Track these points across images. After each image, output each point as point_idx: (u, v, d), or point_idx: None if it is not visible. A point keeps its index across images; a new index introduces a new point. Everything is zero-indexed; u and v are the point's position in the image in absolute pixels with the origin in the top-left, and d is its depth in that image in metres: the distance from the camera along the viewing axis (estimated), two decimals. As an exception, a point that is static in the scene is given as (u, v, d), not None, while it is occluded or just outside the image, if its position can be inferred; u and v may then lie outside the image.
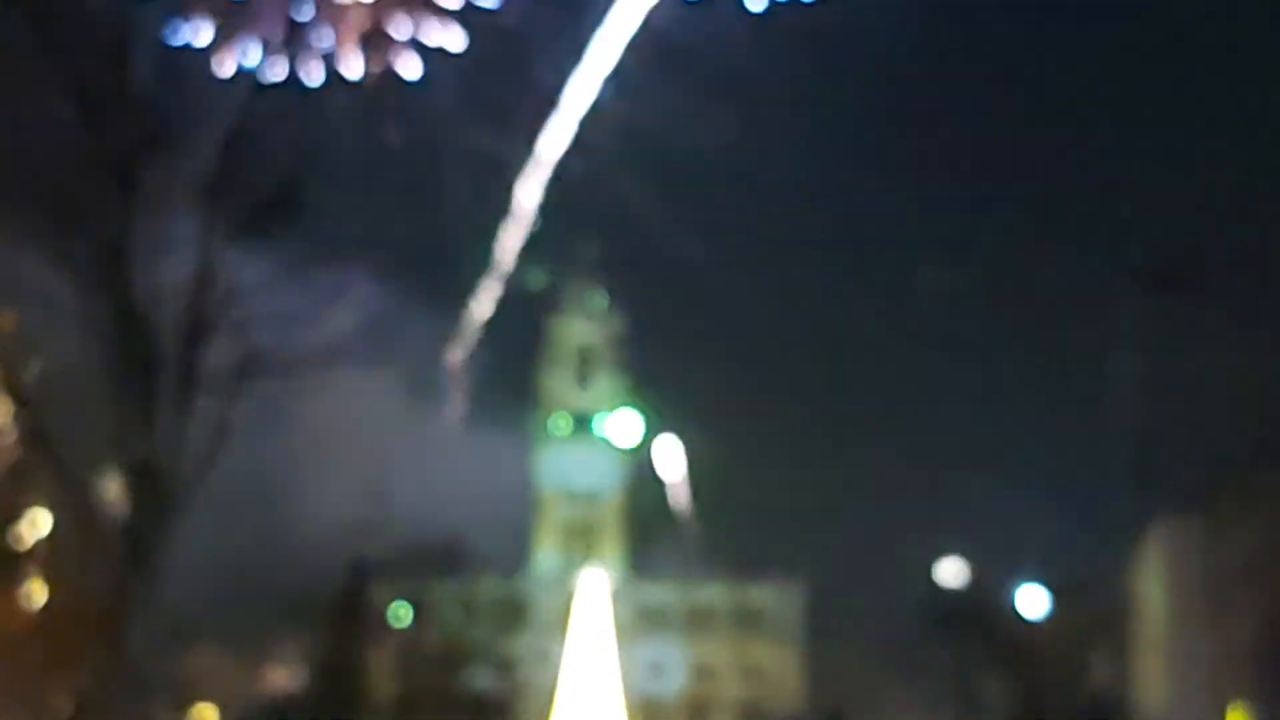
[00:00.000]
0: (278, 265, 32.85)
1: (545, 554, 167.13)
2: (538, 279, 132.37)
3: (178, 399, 31.47)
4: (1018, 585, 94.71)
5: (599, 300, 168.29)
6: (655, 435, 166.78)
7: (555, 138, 43.05)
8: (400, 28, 35.44)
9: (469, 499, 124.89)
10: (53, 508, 79.20)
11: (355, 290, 33.66)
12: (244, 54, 32.89)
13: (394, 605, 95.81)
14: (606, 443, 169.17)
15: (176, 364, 31.78)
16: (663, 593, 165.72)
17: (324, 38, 33.62)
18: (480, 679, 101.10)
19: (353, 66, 34.19)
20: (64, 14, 31.52)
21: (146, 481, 31.31)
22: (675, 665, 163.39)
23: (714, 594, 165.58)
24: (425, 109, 36.15)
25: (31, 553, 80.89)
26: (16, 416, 68.67)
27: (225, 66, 32.34)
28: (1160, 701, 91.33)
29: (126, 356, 31.39)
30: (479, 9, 37.77)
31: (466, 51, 37.58)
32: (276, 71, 32.62)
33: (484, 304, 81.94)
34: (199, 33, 32.39)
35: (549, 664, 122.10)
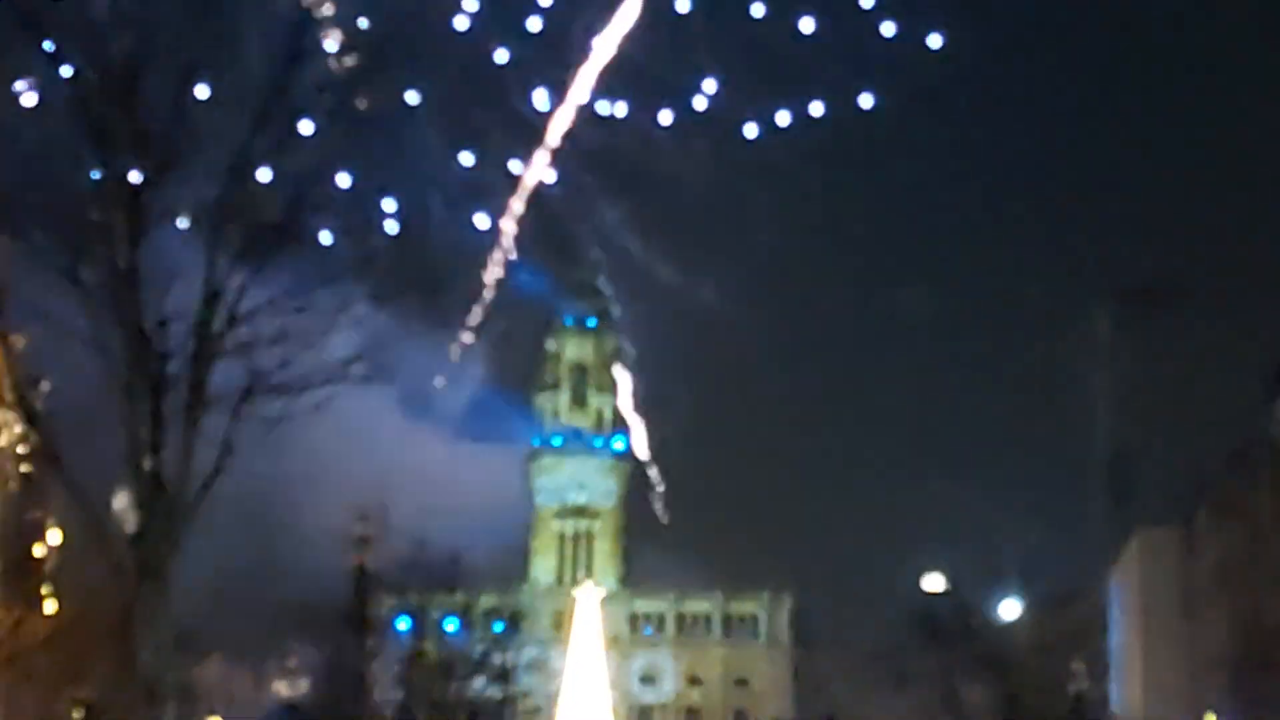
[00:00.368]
0: (282, 287, 34.25)
1: (542, 566, 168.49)
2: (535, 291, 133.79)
3: (185, 417, 32.89)
4: (1000, 595, 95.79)
5: (594, 318, 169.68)
6: (648, 450, 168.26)
7: (541, 161, 44.21)
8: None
9: (468, 513, 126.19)
10: (63, 522, 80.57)
11: (355, 310, 35.03)
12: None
13: (395, 617, 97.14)
14: (601, 457, 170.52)
15: (184, 384, 33.17)
16: (655, 603, 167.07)
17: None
18: (479, 689, 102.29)
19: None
20: (74, 40, 32.88)
21: (155, 496, 32.69)
22: (667, 674, 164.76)
23: (705, 604, 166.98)
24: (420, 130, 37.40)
25: (43, 566, 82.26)
26: (28, 434, 70.11)
27: None
28: (1139, 709, 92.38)
29: (135, 377, 32.75)
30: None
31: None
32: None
33: (481, 322, 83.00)
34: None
35: (546, 674, 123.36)
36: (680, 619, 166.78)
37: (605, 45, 44.91)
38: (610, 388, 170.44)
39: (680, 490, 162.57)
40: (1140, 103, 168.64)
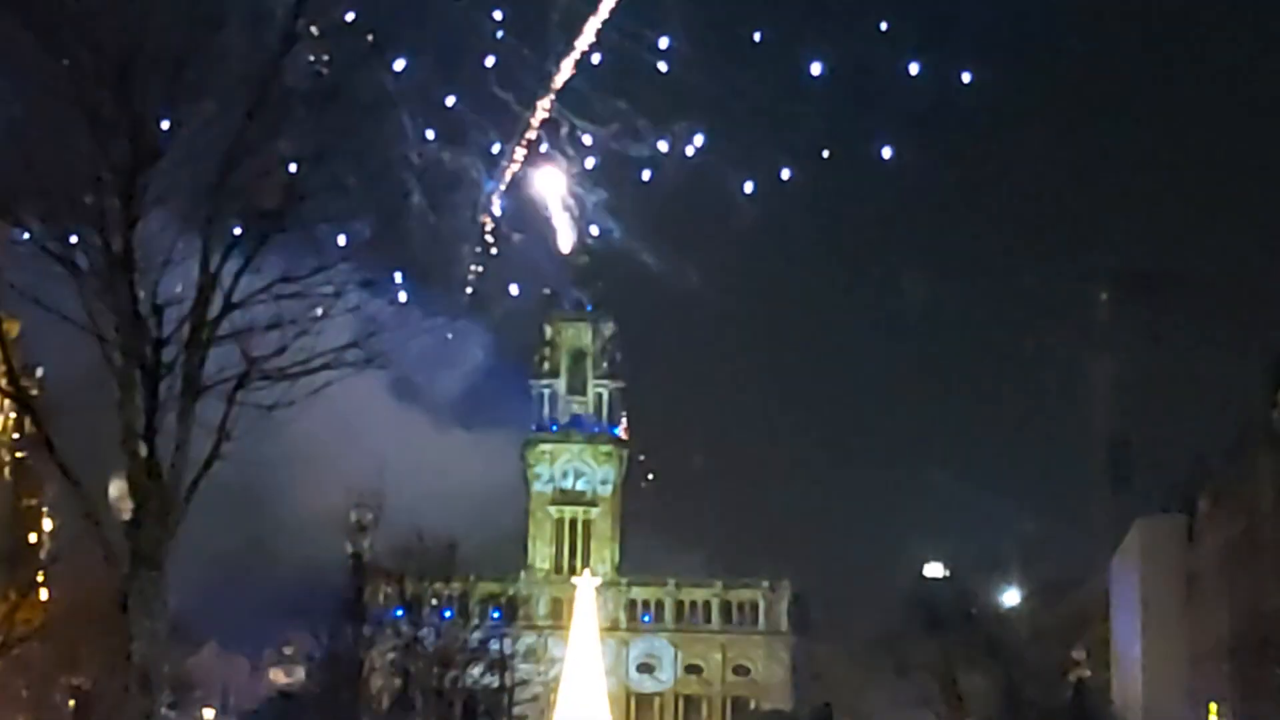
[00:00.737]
0: (277, 273, 34.03)
1: (539, 554, 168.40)
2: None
3: (180, 404, 32.64)
4: (1000, 583, 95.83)
5: (591, 305, 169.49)
6: (646, 437, 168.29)
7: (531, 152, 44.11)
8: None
9: (465, 500, 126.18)
10: (57, 510, 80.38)
11: (351, 296, 34.81)
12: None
13: (392, 604, 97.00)
14: (599, 444, 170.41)
15: (179, 370, 32.93)
16: (653, 591, 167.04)
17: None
18: (476, 676, 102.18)
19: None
20: (70, 27, 32.64)
21: (150, 484, 32.44)
22: (665, 662, 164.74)
23: (704, 592, 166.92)
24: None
25: (37, 554, 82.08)
26: (22, 421, 69.92)
27: None
28: (1139, 696, 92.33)
29: (130, 363, 32.49)
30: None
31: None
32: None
33: (476, 304, 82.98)
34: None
35: (543, 662, 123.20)
36: (679, 606, 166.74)
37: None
38: (608, 374, 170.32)
39: (679, 477, 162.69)
40: (1141, 85, 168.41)
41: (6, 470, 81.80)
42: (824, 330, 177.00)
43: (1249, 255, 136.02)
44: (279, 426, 35.95)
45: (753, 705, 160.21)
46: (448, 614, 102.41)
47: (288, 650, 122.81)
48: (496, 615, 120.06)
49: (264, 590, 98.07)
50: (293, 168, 34.07)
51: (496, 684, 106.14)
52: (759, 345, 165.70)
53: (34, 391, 41.69)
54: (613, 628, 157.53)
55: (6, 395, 41.48)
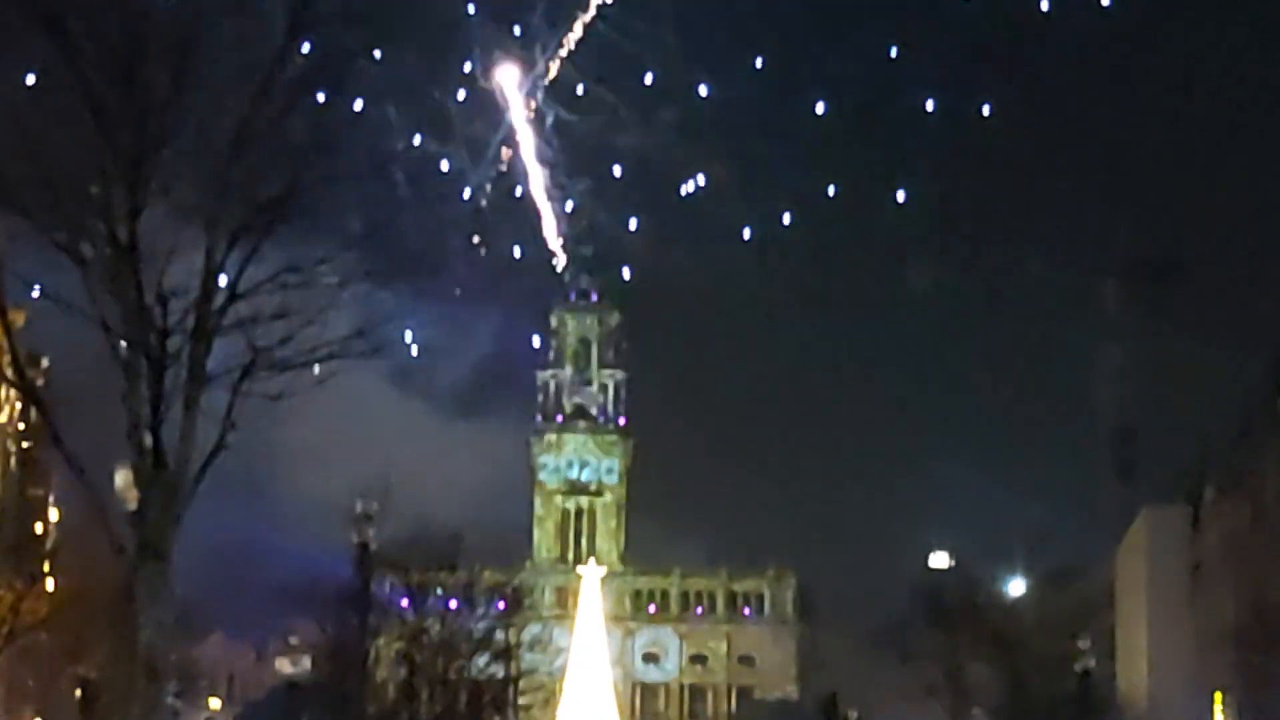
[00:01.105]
0: (282, 263, 34.02)
1: (544, 543, 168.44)
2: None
3: (186, 394, 32.63)
4: (1006, 572, 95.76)
5: (597, 294, 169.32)
6: (652, 424, 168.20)
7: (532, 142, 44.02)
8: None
9: (470, 490, 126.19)
10: (63, 500, 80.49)
11: (356, 286, 34.82)
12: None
13: (397, 594, 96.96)
14: (604, 434, 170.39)
15: (184, 360, 32.93)
16: (658, 580, 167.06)
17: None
18: (481, 667, 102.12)
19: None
20: (74, 17, 32.62)
21: (155, 474, 32.44)
22: (671, 652, 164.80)
23: (709, 582, 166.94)
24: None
25: (43, 544, 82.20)
26: (28, 411, 69.90)
27: None
28: (1145, 686, 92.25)
29: (135, 353, 32.49)
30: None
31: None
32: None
33: (482, 301, 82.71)
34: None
35: (549, 652, 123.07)
36: (684, 596, 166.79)
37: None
38: (613, 364, 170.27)
39: (684, 467, 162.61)
40: (1149, 77, 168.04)
41: (12, 461, 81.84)
42: (830, 319, 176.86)
43: (1255, 246, 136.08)
44: (285, 417, 35.99)
45: (758, 695, 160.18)
46: (453, 604, 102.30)
47: (293, 640, 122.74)
48: (501, 605, 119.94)
49: (269, 580, 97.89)
50: (295, 157, 34.08)
51: (502, 674, 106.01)
52: (764, 334, 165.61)
53: (40, 382, 41.79)
54: (618, 618, 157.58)
55: (12, 385, 41.57)
